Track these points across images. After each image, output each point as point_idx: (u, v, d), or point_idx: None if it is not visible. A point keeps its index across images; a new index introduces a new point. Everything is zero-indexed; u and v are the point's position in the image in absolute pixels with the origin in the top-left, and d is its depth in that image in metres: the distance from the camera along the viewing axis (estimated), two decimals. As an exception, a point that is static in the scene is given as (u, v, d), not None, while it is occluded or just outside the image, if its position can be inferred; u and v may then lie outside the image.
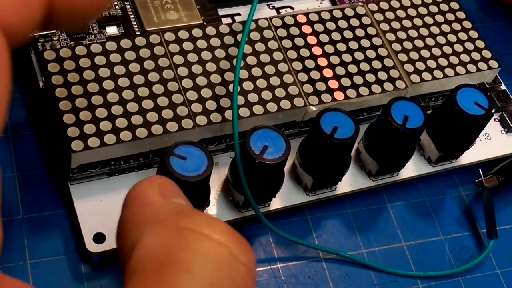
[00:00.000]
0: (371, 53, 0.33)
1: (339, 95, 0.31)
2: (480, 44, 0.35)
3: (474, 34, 0.35)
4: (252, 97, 0.30)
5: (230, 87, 0.30)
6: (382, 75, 0.32)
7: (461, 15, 0.36)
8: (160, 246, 0.17)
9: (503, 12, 0.43)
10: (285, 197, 0.31)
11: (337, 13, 0.34)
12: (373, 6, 0.35)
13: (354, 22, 0.34)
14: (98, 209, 0.28)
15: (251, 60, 0.31)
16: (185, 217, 0.17)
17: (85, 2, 0.20)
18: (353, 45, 0.33)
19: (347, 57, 0.32)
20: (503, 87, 0.37)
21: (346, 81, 0.32)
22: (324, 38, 0.33)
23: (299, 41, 0.32)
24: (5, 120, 0.17)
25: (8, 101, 0.17)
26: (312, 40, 0.32)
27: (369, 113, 0.33)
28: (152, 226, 0.17)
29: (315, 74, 0.32)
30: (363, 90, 0.32)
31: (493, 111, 0.35)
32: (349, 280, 0.31)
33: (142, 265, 0.16)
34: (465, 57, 0.34)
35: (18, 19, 0.18)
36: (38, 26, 0.19)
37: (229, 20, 0.35)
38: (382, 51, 0.33)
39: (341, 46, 0.33)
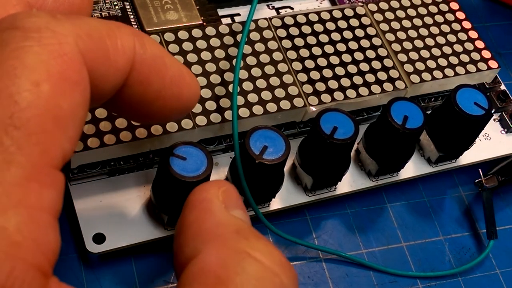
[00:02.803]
0: (370, 53, 0.33)
1: (338, 95, 0.31)
2: (480, 44, 0.35)
3: (473, 34, 0.35)
4: (252, 98, 0.30)
5: (230, 87, 0.30)
6: (382, 75, 0.32)
7: (460, 15, 0.36)
8: (219, 264, 0.17)
9: (503, 12, 0.43)
10: (285, 197, 0.31)
11: (337, 13, 0.34)
12: (372, 7, 0.35)
13: (354, 22, 0.34)
14: (98, 209, 0.28)
15: (251, 60, 0.31)
16: (244, 239, 0.18)
17: (161, 93, 0.21)
18: (353, 45, 0.33)
19: (346, 57, 0.32)
20: (502, 87, 0.37)
21: (345, 81, 0.32)
22: (323, 38, 0.33)
23: (299, 41, 0.32)
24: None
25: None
26: (311, 40, 0.32)
27: (369, 113, 0.33)
28: (213, 242, 0.18)
29: (314, 74, 0.32)
30: (363, 90, 0.32)
31: (492, 111, 0.35)
32: (349, 280, 0.31)
33: (199, 278, 0.17)
34: (464, 57, 0.34)
35: (101, 70, 0.18)
36: (118, 85, 0.19)
37: (228, 20, 0.35)
38: (382, 51, 0.33)
39: (341, 46, 0.33)
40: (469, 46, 0.35)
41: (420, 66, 0.33)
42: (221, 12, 0.35)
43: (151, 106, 0.21)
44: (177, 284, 0.18)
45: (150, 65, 0.20)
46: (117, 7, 0.33)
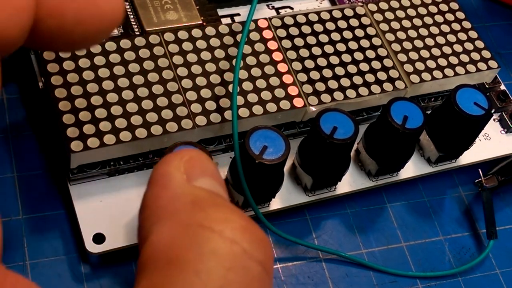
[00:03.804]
0: (370, 53, 0.33)
1: (338, 95, 0.31)
2: (480, 44, 0.35)
3: (473, 34, 0.35)
4: (252, 97, 0.30)
5: (230, 87, 0.30)
6: (382, 75, 0.32)
7: (460, 15, 0.36)
8: (170, 243, 0.16)
9: (503, 12, 0.43)
10: (285, 197, 0.31)
11: (337, 13, 0.34)
12: (372, 7, 0.35)
13: (354, 22, 0.34)
14: (97, 210, 0.28)
15: (251, 60, 0.31)
16: (199, 211, 0.16)
17: (77, 18, 0.19)
18: (353, 45, 0.33)
19: (346, 57, 0.32)
20: (502, 87, 0.37)
21: (345, 81, 0.32)
22: (323, 38, 0.33)
23: (299, 41, 0.32)
24: None
25: None
26: (311, 40, 0.32)
27: (368, 113, 0.33)
28: (165, 219, 0.16)
29: (314, 74, 0.32)
30: (363, 90, 0.32)
31: (492, 111, 0.35)
32: (349, 280, 0.31)
33: (150, 262, 0.16)
34: (464, 57, 0.34)
35: (2, 21, 0.16)
36: (25, 33, 0.17)
37: (228, 20, 0.35)
38: (382, 51, 0.33)
39: (341, 46, 0.33)
40: (469, 46, 0.35)
41: (420, 66, 0.33)
42: (221, 12, 0.35)
43: (71, 34, 0.19)
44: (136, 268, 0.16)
45: None
46: (117, 7, 0.33)
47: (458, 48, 0.34)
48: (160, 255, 0.16)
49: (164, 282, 0.15)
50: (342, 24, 0.33)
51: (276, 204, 0.31)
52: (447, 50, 0.34)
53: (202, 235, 0.16)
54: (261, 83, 0.30)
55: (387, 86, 0.32)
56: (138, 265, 0.16)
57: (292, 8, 0.36)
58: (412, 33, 0.34)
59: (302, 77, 0.31)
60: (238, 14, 0.35)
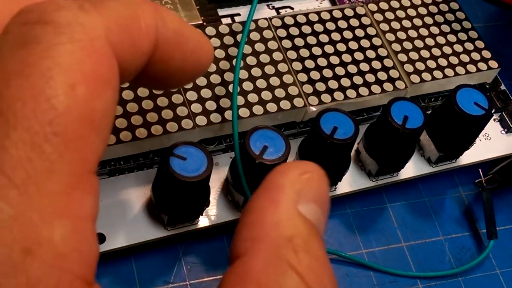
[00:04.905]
0: (370, 53, 0.33)
1: (339, 95, 0.31)
2: (480, 44, 0.35)
3: (474, 34, 0.35)
4: (252, 98, 0.30)
5: (230, 87, 0.30)
6: (382, 75, 0.32)
7: (460, 15, 0.36)
8: (262, 272, 0.17)
9: (503, 12, 0.43)
10: (285, 197, 0.31)
11: (337, 13, 0.34)
12: (372, 7, 0.35)
13: (354, 22, 0.34)
14: (98, 210, 0.28)
15: (251, 60, 0.31)
16: (291, 250, 0.17)
17: (180, 67, 0.20)
18: (353, 45, 0.33)
19: (346, 57, 0.32)
20: (503, 87, 0.37)
21: (345, 81, 0.32)
22: (323, 38, 0.33)
23: (299, 41, 0.32)
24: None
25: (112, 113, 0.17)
26: (311, 40, 0.32)
27: (369, 113, 0.33)
28: (263, 244, 0.17)
29: (315, 75, 0.32)
30: (363, 91, 0.32)
31: (493, 111, 0.35)
32: (349, 280, 0.31)
33: (242, 282, 0.17)
34: (464, 57, 0.34)
35: (127, 58, 0.18)
36: (142, 67, 0.19)
37: (228, 20, 0.35)
38: (382, 51, 0.33)
39: (341, 46, 0.33)
40: (469, 46, 0.35)
41: (420, 66, 0.33)
42: (221, 12, 0.35)
43: (171, 78, 0.20)
44: (222, 277, 0.17)
45: (171, 42, 0.19)
46: (117, 7, 0.33)
47: (458, 48, 0.34)
48: (253, 279, 0.17)
49: None
50: (342, 24, 0.33)
51: (276, 204, 0.31)
52: (447, 50, 0.34)
53: (289, 276, 0.17)
54: (261, 83, 0.30)
55: (388, 86, 0.32)
56: (228, 277, 0.17)
57: (292, 8, 0.36)
58: (413, 33, 0.34)
59: (302, 77, 0.31)
60: (239, 14, 0.35)
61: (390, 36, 0.34)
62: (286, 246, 0.17)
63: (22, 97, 0.15)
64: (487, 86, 0.36)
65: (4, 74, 0.15)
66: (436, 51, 0.34)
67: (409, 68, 0.33)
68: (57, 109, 0.15)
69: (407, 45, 0.34)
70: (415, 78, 0.33)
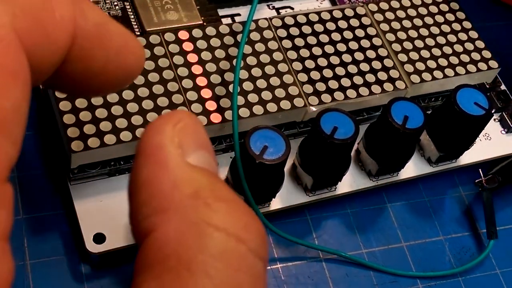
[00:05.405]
0: (371, 54, 0.33)
1: (339, 96, 0.31)
2: (480, 44, 0.35)
3: (474, 34, 0.35)
4: (252, 98, 0.30)
5: (230, 87, 0.30)
6: (382, 76, 0.32)
7: (461, 15, 0.36)
8: (178, 242, 0.15)
9: (503, 12, 0.43)
10: (285, 197, 0.31)
11: (337, 14, 0.34)
12: (373, 7, 0.35)
13: (354, 22, 0.34)
14: (98, 209, 0.28)
15: (251, 60, 0.31)
16: (204, 206, 0.15)
17: (103, 68, 0.18)
18: (353, 45, 0.33)
19: (347, 58, 0.32)
20: (503, 87, 0.37)
21: (346, 82, 0.32)
22: (324, 38, 0.33)
23: (299, 42, 0.32)
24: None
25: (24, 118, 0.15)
26: (312, 40, 0.32)
27: (369, 113, 0.33)
28: (169, 211, 0.15)
29: (315, 75, 0.32)
30: (363, 91, 0.32)
31: (493, 111, 0.35)
32: (349, 280, 0.31)
33: (158, 260, 0.15)
34: (465, 57, 0.34)
35: (39, 51, 0.16)
36: (57, 64, 0.17)
37: (229, 20, 0.35)
38: (382, 51, 0.33)
39: (341, 47, 0.33)
40: (469, 46, 0.35)
41: (420, 66, 0.33)
42: (221, 12, 0.35)
43: (92, 82, 0.18)
44: (135, 260, 0.15)
45: (92, 37, 0.17)
46: (117, 7, 0.33)
47: (458, 48, 0.34)
48: (169, 255, 0.15)
49: (175, 285, 0.15)
50: (342, 24, 0.33)
51: (276, 204, 0.31)
52: (447, 50, 0.34)
53: (210, 235, 0.15)
54: (261, 83, 0.30)
55: (388, 86, 0.32)
56: (142, 258, 0.15)
57: (292, 8, 0.36)
58: (413, 33, 0.34)
59: (303, 77, 0.31)
60: (239, 14, 0.35)
61: (390, 36, 0.34)
62: (194, 205, 0.15)
63: None
64: (487, 86, 0.36)
65: None
66: (436, 51, 0.34)
67: (409, 68, 0.33)
68: None
69: (407, 45, 0.34)
70: (415, 78, 0.33)
